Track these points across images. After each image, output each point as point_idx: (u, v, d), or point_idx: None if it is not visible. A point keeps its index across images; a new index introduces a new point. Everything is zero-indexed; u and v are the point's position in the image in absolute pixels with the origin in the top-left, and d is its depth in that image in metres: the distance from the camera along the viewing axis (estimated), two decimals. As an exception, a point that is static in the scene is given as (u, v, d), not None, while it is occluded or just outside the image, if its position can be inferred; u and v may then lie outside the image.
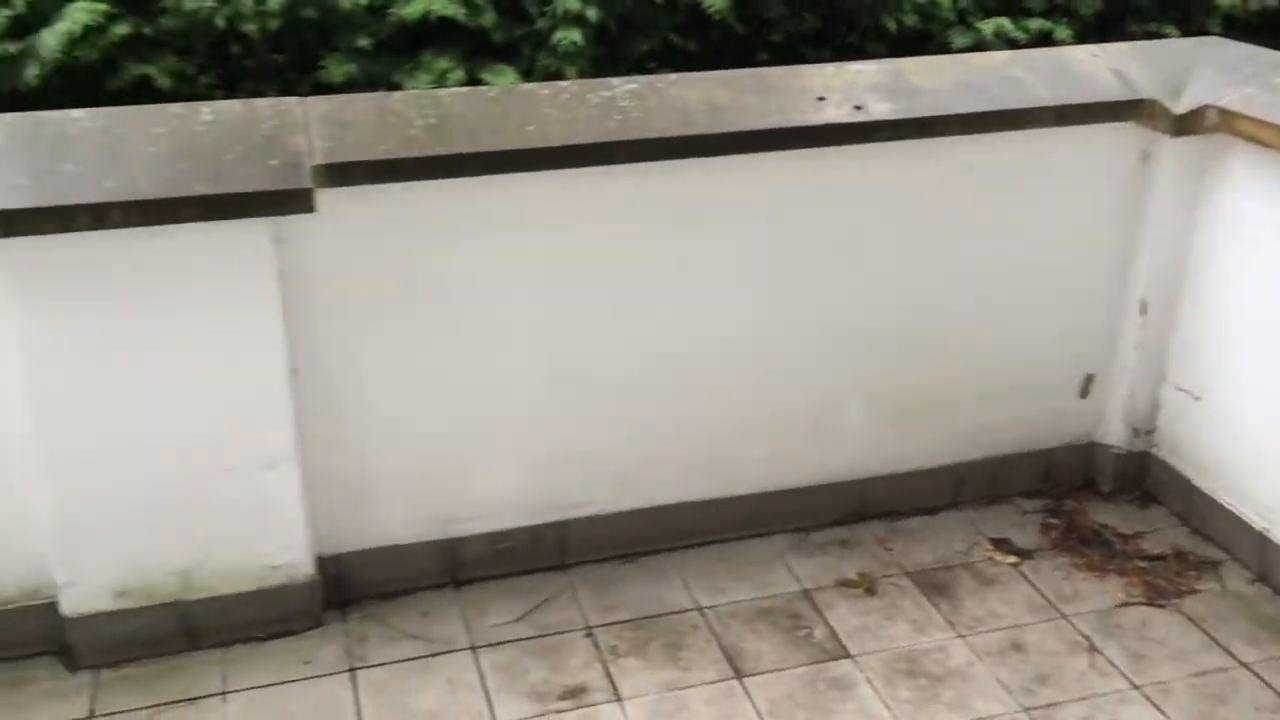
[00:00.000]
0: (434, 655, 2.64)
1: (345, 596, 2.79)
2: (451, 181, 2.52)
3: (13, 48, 3.43)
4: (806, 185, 2.81)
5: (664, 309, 2.80)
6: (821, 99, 2.78)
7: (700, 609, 2.80)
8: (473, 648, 2.66)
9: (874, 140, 2.75)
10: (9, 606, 2.59)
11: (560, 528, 2.92)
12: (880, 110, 2.75)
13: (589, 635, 2.71)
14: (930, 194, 2.91)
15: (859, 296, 2.94)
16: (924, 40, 4.76)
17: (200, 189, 2.34)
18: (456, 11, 3.80)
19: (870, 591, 2.88)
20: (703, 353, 2.87)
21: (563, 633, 2.72)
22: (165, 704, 2.49)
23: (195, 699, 2.51)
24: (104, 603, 2.58)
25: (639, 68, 4.13)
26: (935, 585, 2.90)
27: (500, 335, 2.71)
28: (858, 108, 2.75)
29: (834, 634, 2.73)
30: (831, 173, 2.80)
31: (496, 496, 2.85)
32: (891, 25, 4.49)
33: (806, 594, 2.86)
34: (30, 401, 2.41)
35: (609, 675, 2.59)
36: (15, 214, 2.25)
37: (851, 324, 2.95)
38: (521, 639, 2.69)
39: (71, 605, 2.56)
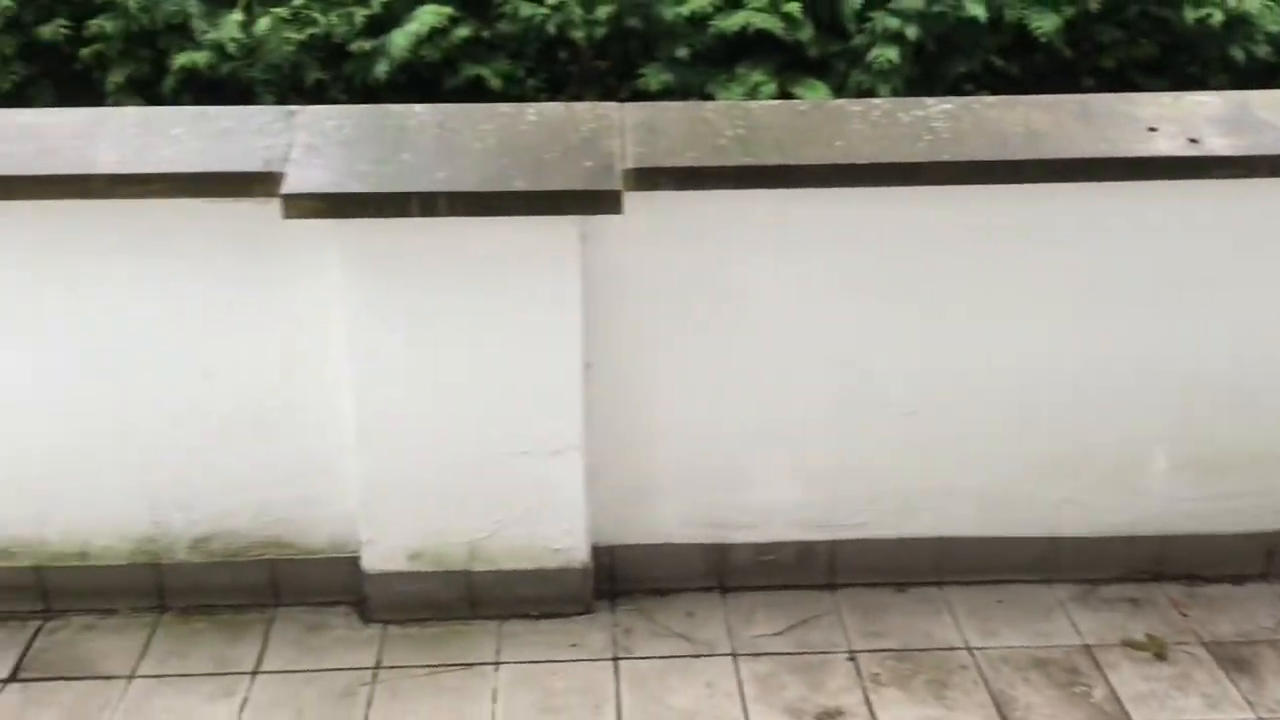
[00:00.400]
0: (696, 656, 2.67)
1: (615, 587, 2.87)
2: (755, 192, 2.55)
3: (367, 45, 3.73)
4: (1129, 218, 2.65)
5: (962, 334, 2.72)
6: (1153, 129, 2.62)
7: (970, 649, 2.70)
8: (734, 655, 2.67)
9: (1209, 176, 2.56)
10: (317, 556, 2.82)
11: (831, 547, 2.88)
12: (1218, 145, 2.56)
13: (851, 659, 2.67)
14: (1271, 238, 2.68)
15: (1177, 338, 2.74)
16: (1277, 74, 4.38)
17: (520, 184, 2.47)
18: (775, 25, 3.82)
19: (1160, 656, 2.68)
20: (999, 383, 2.76)
21: (824, 653, 2.69)
22: (443, 665, 2.65)
23: (470, 664, 2.65)
24: (399, 563, 2.76)
25: (954, 89, 4.02)
26: (1235, 660, 2.67)
27: (789, 347, 2.71)
28: (1193, 140, 2.57)
29: (1115, 696, 2.56)
30: (1158, 207, 2.63)
31: (769, 507, 2.85)
32: (1240, 55, 4.15)
33: (1088, 649, 2.70)
34: (349, 370, 2.62)
35: (868, 702, 2.54)
36: (357, 197, 2.45)
37: (1166, 367, 2.76)
38: (782, 653, 2.68)
39: (370, 562, 2.77)
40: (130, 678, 2.61)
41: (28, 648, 2.70)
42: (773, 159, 2.53)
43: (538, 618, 2.79)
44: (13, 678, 2.61)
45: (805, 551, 2.88)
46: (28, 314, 2.61)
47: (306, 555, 2.82)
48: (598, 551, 2.84)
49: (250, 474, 2.74)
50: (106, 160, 2.48)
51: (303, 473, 2.74)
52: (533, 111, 2.70)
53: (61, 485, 2.73)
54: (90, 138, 2.55)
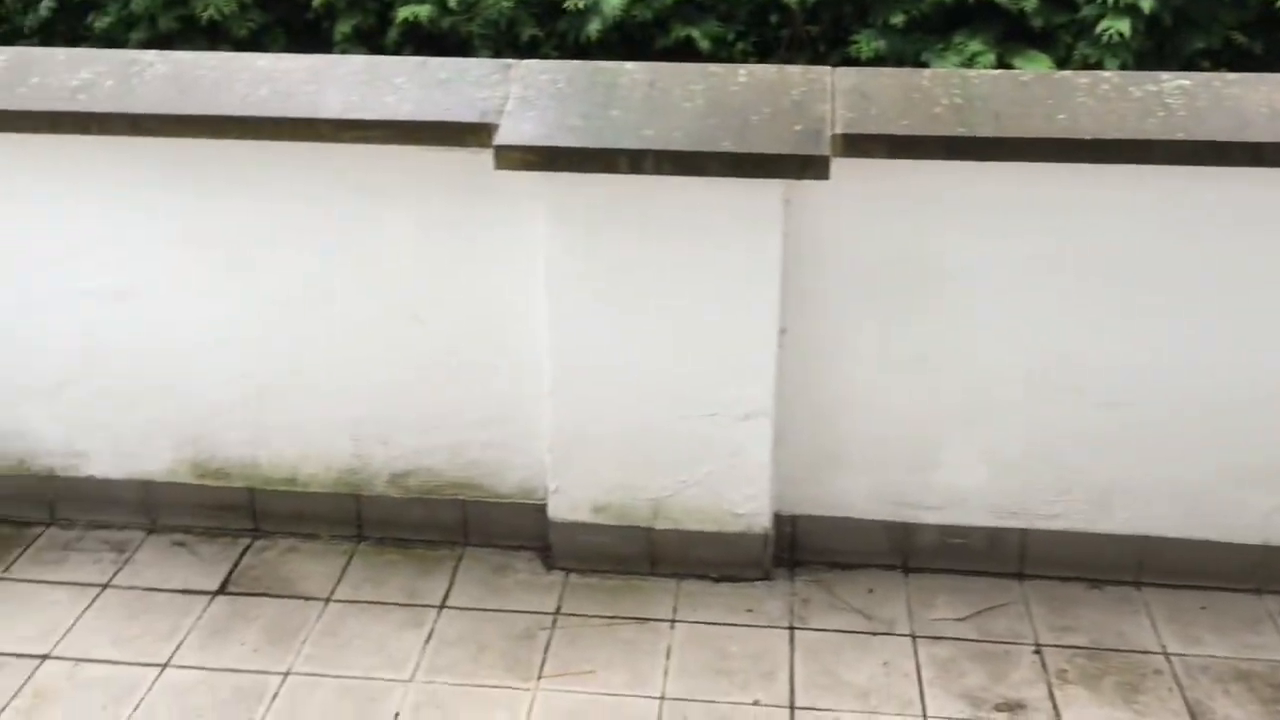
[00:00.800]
0: (874, 634, 2.63)
1: (795, 556, 2.85)
2: (968, 164, 2.46)
3: (581, 3, 3.78)
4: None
5: (1172, 325, 2.58)
6: None
7: (1167, 654, 2.57)
8: (913, 636, 2.62)
9: None
10: (506, 501, 2.90)
11: (1022, 535, 2.79)
12: None
13: (1037, 652, 2.58)
14: None
15: None
16: None
17: (727, 145, 2.46)
18: (998, -8, 3.70)
19: (1378, 682, 2.50)
20: (1210, 380, 2.61)
21: (1009, 643, 2.61)
22: (620, 618, 2.69)
23: (646, 620, 2.68)
24: (584, 514, 2.82)
25: (1190, 65, 3.80)
26: None
27: (988, 325, 2.63)
28: None
29: (1324, 719, 2.40)
30: None
31: (959, 489, 2.78)
32: None
33: (1297, 667, 2.54)
34: (547, 319, 2.67)
35: (1052, 698, 2.45)
36: (566, 151, 2.49)
37: None
38: (964, 639, 2.61)
39: (557, 510, 2.83)
40: (327, 600, 2.75)
41: (237, 563, 2.88)
42: (990, 131, 2.43)
43: (716, 580, 2.80)
44: (222, 590, 2.79)
45: (994, 538, 2.80)
46: (247, 248, 2.75)
47: (496, 499, 2.90)
48: (780, 519, 2.82)
49: (449, 415, 2.83)
50: (333, 105, 2.58)
51: (498, 418, 2.82)
52: (743, 73, 2.68)
53: (275, 412, 2.88)
54: (319, 83, 2.66)
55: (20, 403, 2.93)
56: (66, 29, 3.96)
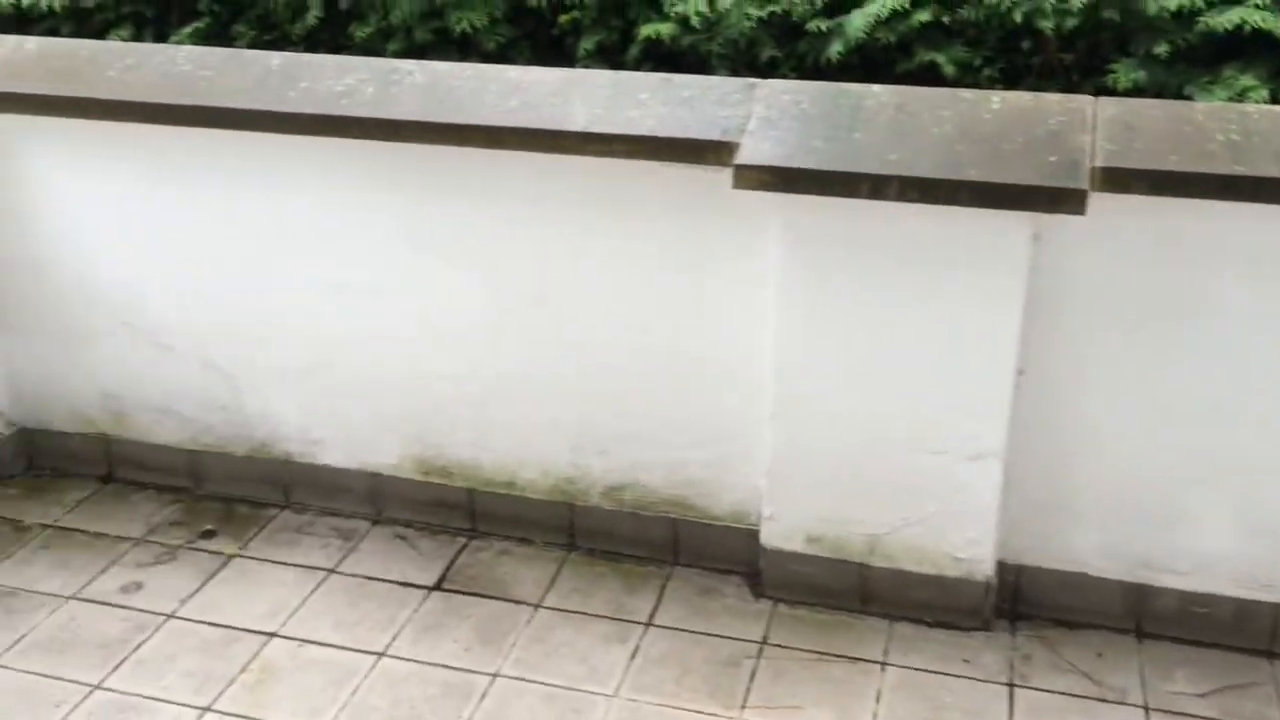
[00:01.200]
0: (1101, 701, 2.46)
1: (1018, 609, 2.71)
2: (1245, 206, 2.29)
3: (824, 25, 3.71)
4: None
5: None
6: None
7: None
8: (1146, 708, 2.44)
9: None
10: (719, 523, 2.87)
11: (1275, 611, 2.56)
12: None
13: (1286, 740, 2.37)
14: None
15: None
16: None
17: (974, 174, 2.36)
18: (1276, 25, 3.43)
19: None
20: None
21: (1255, 727, 2.40)
22: (829, 655, 2.61)
23: (856, 659, 2.60)
24: (797, 543, 2.75)
25: None
26: None
27: (1250, 377, 2.43)
28: None
29: None
30: None
31: (1205, 553, 2.58)
32: None
33: None
34: (773, 340, 2.63)
35: (1302, 793, 2.25)
36: (806, 173, 2.44)
37: None
38: (1204, 717, 2.42)
39: (769, 537, 2.78)
40: (536, 606, 2.78)
41: (453, 561, 2.95)
42: (1272, 170, 2.25)
43: (931, 625, 2.69)
44: (437, 586, 2.86)
45: (1242, 610, 2.58)
46: (481, 253, 2.81)
47: (709, 520, 2.87)
48: (1004, 568, 2.69)
49: (668, 431, 2.82)
50: (578, 118, 2.62)
51: (718, 438, 2.79)
52: (996, 99, 2.57)
53: (498, 416, 2.94)
54: (565, 96, 2.70)
55: (269, 388, 3.09)
56: (329, 37, 4.16)
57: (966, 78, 3.83)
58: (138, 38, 4.21)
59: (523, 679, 2.55)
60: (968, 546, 2.64)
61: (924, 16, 3.69)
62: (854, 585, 2.74)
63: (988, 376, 2.52)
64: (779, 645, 2.64)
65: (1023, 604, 2.71)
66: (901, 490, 2.64)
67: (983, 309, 2.48)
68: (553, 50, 4.04)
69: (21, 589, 2.84)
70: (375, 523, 3.09)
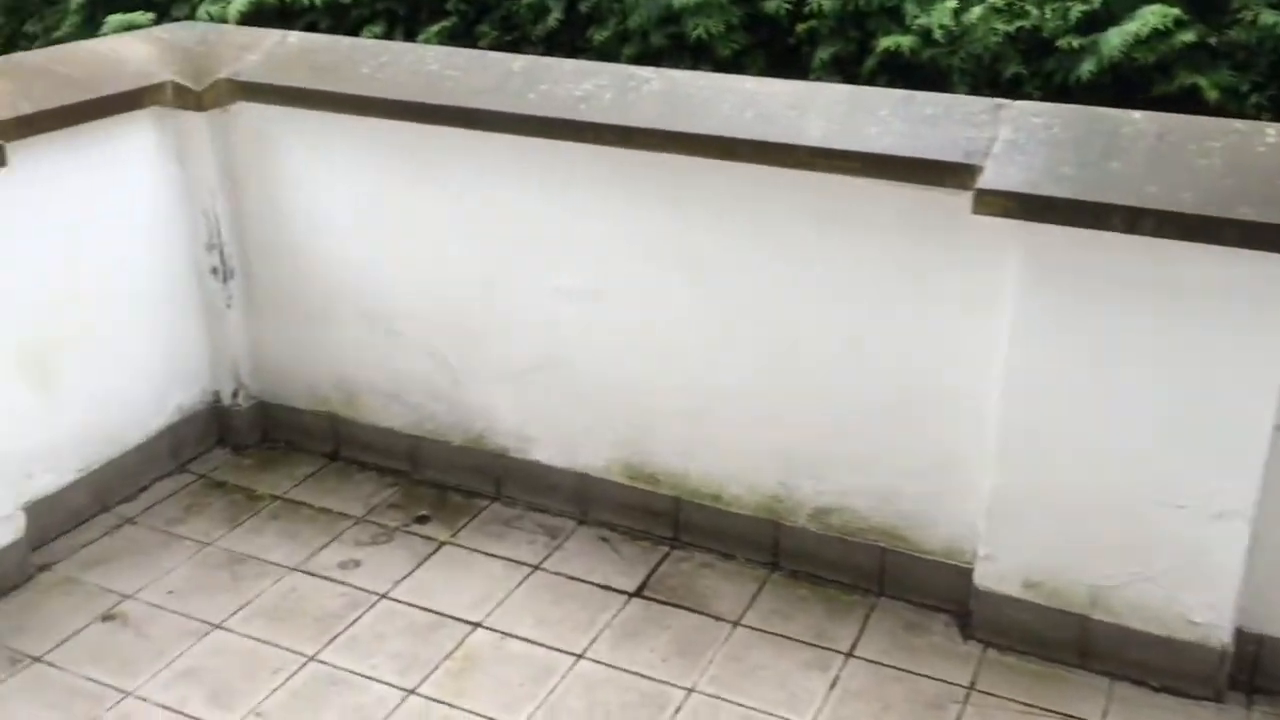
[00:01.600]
0: (1347, 794, 2.26)
1: (1256, 682, 2.50)
2: None
3: (1076, 42, 3.54)
4: None
5: None
6: None
7: None
8: (1400, 808, 2.23)
9: None
10: (928, 557, 2.77)
11: None
12: None
13: None
14: None
15: None
16: None
17: (1246, 212, 2.18)
18: None
19: None
20: None
21: None
22: (1040, 708, 2.48)
23: (1071, 717, 2.45)
24: (1013, 587, 2.62)
25: None
26: None
27: None
28: None
29: None
30: None
31: None
32: None
33: None
34: (1004, 373, 2.51)
35: None
36: (1053, 201, 2.31)
37: None
38: None
39: (984, 578, 2.66)
40: (735, 624, 2.75)
41: (654, 569, 2.94)
42: None
43: (1155, 689, 2.51)
44: (638, 593, 2.86)
45: None
46: (707, 264, 2.79)
47: (919, 553, 2.77)
48: (1243, 636, 2.49)
49: (883, 458, 2.74)
50: (813, 133, 2.56)
51: (935, 469, 2.69)
52: (1273, 131, 2.38)
53: (710, 429, 2.92)
54: (802, 109, 2.65)
55: (491, 382, 3.16)
56: (568, 39, 4.24)
57: (1231, 104, 3.57)
58: (389, 34, 4.40)
59: (719, 697, 2.52)
60: (1204, 610, 2.45)
61: (1188, 36, 3.47)
62: (1073, 637, 2.59)
63: (1240, 431, 2.33)
64: (987, 693, 2.53)
65: (1261, 677, 2.51)
66: (1134, 543, 2.48)
67: (1242, 358, 2.29)
68: (787, 59, 3.99)
69: (250, 556, 3.00)
70: (581, 523, 3.13)
